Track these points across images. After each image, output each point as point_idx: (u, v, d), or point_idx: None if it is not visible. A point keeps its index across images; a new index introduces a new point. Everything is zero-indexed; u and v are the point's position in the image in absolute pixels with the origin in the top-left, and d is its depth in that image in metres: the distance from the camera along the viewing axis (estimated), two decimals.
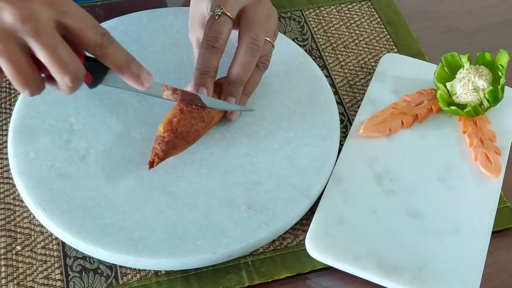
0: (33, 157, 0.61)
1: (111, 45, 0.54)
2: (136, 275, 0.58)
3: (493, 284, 0.59)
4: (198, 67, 0.61)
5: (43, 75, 0.53)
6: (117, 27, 0.72)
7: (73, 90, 0.54)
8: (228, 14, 0.61)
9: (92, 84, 0.57)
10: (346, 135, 0.68)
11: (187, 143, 0.61)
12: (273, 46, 0.66)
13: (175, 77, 0.69)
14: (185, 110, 0.61)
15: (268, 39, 0.64)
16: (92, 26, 0.53)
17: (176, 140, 0.60)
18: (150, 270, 0.58)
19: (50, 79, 0.53)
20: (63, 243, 0.59)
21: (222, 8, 0.61)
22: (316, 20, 0.79)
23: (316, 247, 0.58)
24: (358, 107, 0.70)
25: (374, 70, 0.74)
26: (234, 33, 0.64)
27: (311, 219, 0.60)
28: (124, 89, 0.58)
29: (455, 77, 0.68)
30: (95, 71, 0.56)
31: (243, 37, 0.62)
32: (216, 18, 0.61)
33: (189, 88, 0.62)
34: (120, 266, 0.58)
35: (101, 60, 0.54)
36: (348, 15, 0.80)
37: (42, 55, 0.50)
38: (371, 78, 0.72)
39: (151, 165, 0.59)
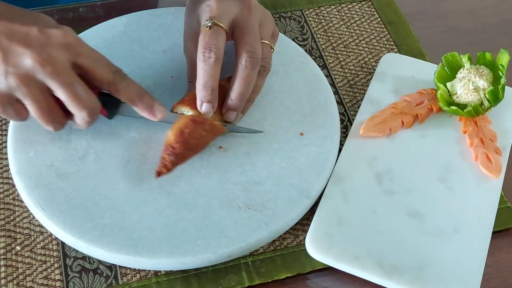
0: (33, 157, 0.61)
1: (123, 81, 0.59)
2: (136, 275, 0.57)
3: (493, 284, 0.59)
4: (200, 81, 0.60)
5: None
6: (117, 27, 0.72)
7: (90, 124, 0.59)
8: (220, 24, 0.60)
9: (109, 116, 0.62)
10: (346, 135, 0.67)
11: (194, 153, 0.62)
12: (272, 48, 0.65)
13: (175, 77, 0.69)
14: (198, 121, 0.61)
15: (266, 41, 0.64)
16: (105, 65, 0.58)
17: (185, 152, 0.60)
18: (150, 270, 0.58)
19: (68, 114, 0.58)
20: (63, 243, 0.59)
21: (212, 19, 0.60)
22: (316, 20, 0.79)
23: (316, 247, 0.58)
24: (358, 107, 0.70)
25: (374, 70, 0.74)
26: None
27: (311, 219, 0.60)
28: (139, 118, 0.62)
29: (455, 77, 0.68)
30: (109, 104, 0.61)
31: (240, 51, 0.61)
32: (208, 29, 0.60)
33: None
34: (120, 266, 0.58)
35: (115, 95, 0.59)
36: (348, 14, 0.80)
37: (60, 93, 0.55)
38: (371, 78, 0.72)
39: (159, 174, 0.60)
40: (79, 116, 0.57)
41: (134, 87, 0.60)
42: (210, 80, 0.60)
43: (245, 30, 0.62)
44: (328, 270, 0.59)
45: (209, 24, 0.60)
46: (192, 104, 0.62)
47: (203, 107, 0.61)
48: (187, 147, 0.60)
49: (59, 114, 0.57)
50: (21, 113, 0.56)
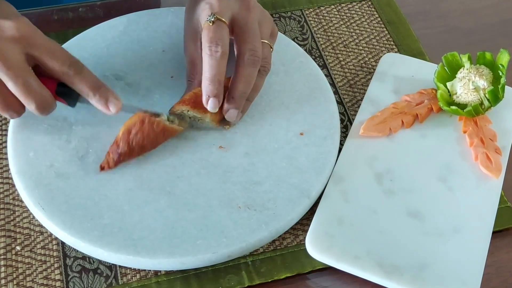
0: (33, 157, 0.61)
1: (79, 74, 0.59)
2: (136, 275, 0.57)
3: (493, 284, 0.59)
4: (206, 76, 0.60)
5: None
6: (117, 27, 0.72)
7: (44, 115, 0.59)
8: (222, 19, 0.61)
9: (70, 105, 0.62)
10: (346, 135, 0.67)
11: (142, 152, 0.61)
12: (271, 48, 0.65)
13: (174, 77, 0.68)
14: (146, 122, 0.60)
15: (265, 41, 0.64)
16: (60, 56, 0.58)
17: (129, 152, 0.60)
18: (150, 270, 0.58)
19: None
20: (63, 243, 0.59)
21: (214, 15, 0.61)
22: (316, 20, 0.79)
23: (316, 247, 0.58)
24: (358, 106, 0.70)
25: (374, 69, 0.74)
26: None
27: (311, 219, 0.60)
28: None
29: (455, 77, 0.68)
30: (70, 92, 0.61)
31: (241, 49, 0.62)
32: (211, 24, 0.60)
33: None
34: (120, 266, 0.58)
35: (71, 86, 0.59)
36: (348, 14, 0.80)
37: (11, 86, 0.56)
38: (371, 77, 0.72)
39: (102, 169, 0.60)
40: (30, 108, 0.58)
41: (90, 79, 0.59)
42: (217, 74, 0.60)
43: (245, 28, 0.62)
44: (328, 270, 0.59)
45: (212, 19, 0.60)
46: (192, 103, 0.62)
47: (210, 102, 0.61)
48: (131, 148, 0.60)
49: (14, 104, 0.58)
50: None
